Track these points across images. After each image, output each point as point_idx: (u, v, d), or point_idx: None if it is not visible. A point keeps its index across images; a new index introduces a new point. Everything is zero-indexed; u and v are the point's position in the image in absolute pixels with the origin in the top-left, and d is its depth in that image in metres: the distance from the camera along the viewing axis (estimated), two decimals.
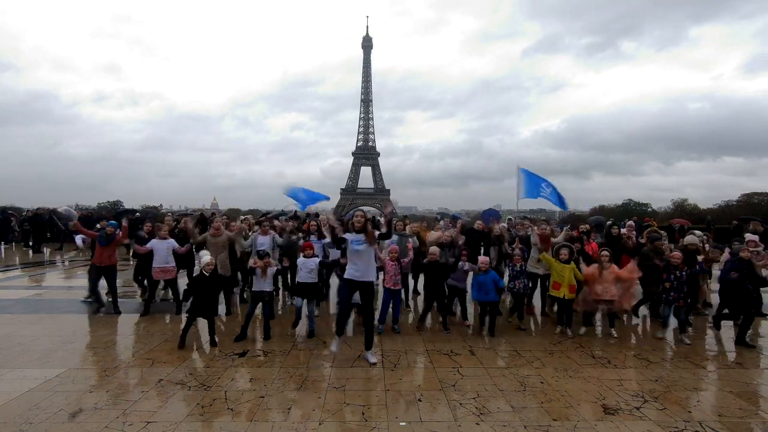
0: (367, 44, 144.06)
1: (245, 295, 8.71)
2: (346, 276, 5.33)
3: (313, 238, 8.27)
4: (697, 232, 8.56)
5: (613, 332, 6.62)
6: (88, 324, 7.09)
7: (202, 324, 6.32)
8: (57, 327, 6.76)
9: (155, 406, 4.14)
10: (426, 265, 7.05)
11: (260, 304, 6.50)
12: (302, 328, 6.59)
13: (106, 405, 4.14)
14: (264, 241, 7.95)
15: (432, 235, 8.36)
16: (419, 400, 4.34)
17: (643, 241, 8.37)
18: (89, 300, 8.32)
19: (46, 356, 5.47)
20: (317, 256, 6.81)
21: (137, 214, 15.28)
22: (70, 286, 10.22)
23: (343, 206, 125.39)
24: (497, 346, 6.06)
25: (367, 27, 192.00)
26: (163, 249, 7.65)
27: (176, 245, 7.82)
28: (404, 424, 3.85)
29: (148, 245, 7.63)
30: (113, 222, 8.29)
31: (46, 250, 17.45)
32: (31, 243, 17.79)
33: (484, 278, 6.59)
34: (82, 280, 11.05)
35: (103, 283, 8.03)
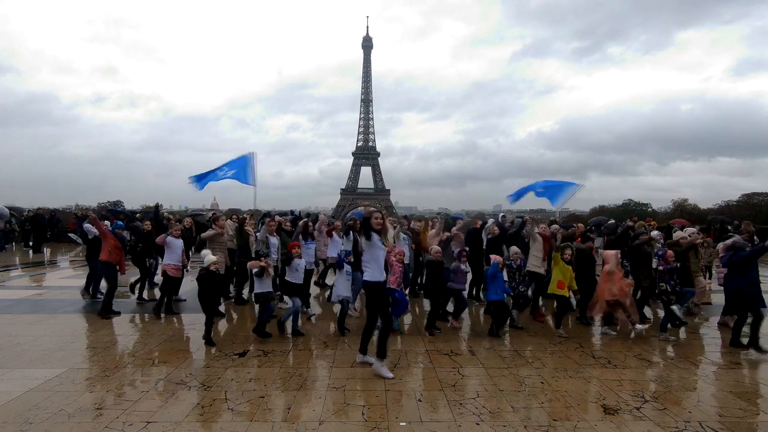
0: (367, 44, 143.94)
1: (243, 295, 8.68)
2: (378, 280, 5.06)
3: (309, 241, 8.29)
4: (689, 229, 8.55)
5: (610, 331, 6.66)
6: (88, 324, 7.09)
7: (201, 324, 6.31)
8: (57, 327, 6.76)
9: (155, 406, 4.14)
10: (427, 264, 7.05)
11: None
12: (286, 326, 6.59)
13: (106, 405, 4.14)
14: (274, 241, 7.96)
15: (430, 234, 8.37)
16: (419, 400, 4.34)
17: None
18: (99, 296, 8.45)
19: (46, 356, 5.47)
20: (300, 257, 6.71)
21: (137, 215, 15.22)
22: (70, 286, 10.22)
23: (343, 206, 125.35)
24: (497, 346, 6.06)
25: (367, 27, 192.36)
26: (178, 247, 7.72)
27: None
28: (404, 424, 3.85)
29: (166, 239, 7.73)
30: (120, 223, 8.33)
31: (46, 250, 17.46)
32: (31, 243, 17.79)
33: (500, 275, 6.60)
34: (82, 280, 11.06)
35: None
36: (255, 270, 6.27)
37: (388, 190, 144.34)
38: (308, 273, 7.68)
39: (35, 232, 17.87)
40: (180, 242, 7.83)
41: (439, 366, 5.27)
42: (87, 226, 8.61)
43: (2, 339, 6.11)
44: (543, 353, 5.80)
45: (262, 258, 6.54)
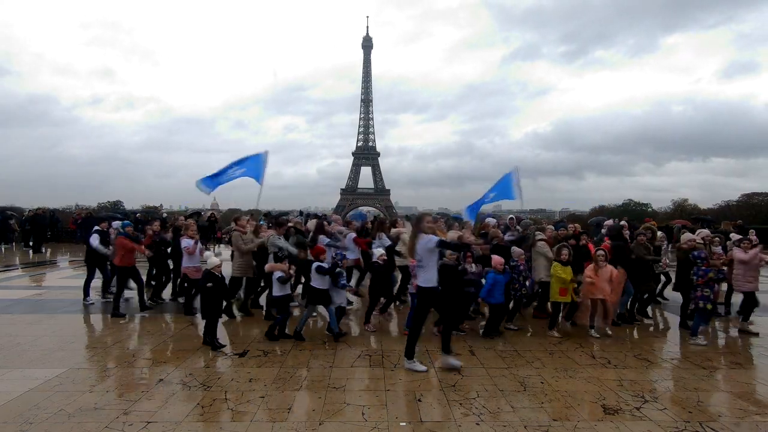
0: (367, 44, 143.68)
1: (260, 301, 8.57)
2: (430, 285, 5.04)
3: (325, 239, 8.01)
4: (702, 231, 8.32)
5: (595, 333, 6.59)
6: (88, 324, 7.10)
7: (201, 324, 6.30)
8: (57, 327, 6.76)
9: (155, 406, 4.14)
10: (441, 269, 6.81)
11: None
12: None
13: (106, 405, 4.14)
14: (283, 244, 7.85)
15: (449, 236, 8.18)
16: (419, 400, 4.34)
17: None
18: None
19: (46, 356, 5.47)
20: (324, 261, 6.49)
21: (137, 215, 15.23)
22: (70, 286, 10.22)
23: (342, 206, 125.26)
24: (497, 346, 6.06)
25: (367, 27, 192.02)
26: (197, 249, 7.57)
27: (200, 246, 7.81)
28: (404, 424, 3.85)
29: (187, 243, 7.51)
30: (128, 222, 8.23)
31: (46, 250, 17.46)
32: (31, 243, 17.79)
33: (501, 279, 6.46)
34: (82, 280, 11.05)
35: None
36: (278, 275, 6.09)
37: (388, 190, 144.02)
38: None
39: (35, 232, 17.86)
40: (194, 244, 7.70)
41: (439, 366, 5.25)
42: (97, 246, 8.23)
43: (2, 339, 6.11)
44: (543, 353, 5.80)
45: (284, 261, 6.42)
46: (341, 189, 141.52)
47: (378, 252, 6.98)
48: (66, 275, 12.12)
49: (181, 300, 8.31)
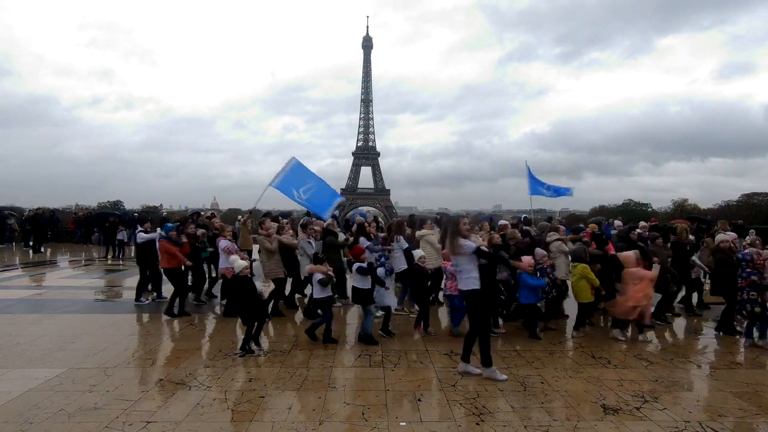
0: (367, 44, 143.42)
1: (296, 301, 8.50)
2: (472, 288, 4.89)
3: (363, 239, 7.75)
4: (730, 234, 8.08)
5: (641, 336, 6.44)
6: (88, 324, 7.08)
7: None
8: (57, 327, 6.76)
9: (155, 406, 4.14)
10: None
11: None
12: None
13: (106, 405, 4.14)
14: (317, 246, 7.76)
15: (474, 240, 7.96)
16: (419, 400, 4.34)
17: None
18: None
19: (46, 356, 5.47)
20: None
21: (136, 214, 15.22)
22: (70, 286, 10.22)
23: (343, 206, 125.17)
24: (497, 347, 6.05)
25: (367, 27, 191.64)
26: (235, 250, 7.51)
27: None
28: (404, 424, 3.85)
29: (227, 245, 7.49)
30: (170, 225, 8.23)
31: (47, 250, 17.45)
32: (31, 243, 17.79)
33: (532, 281, 6.35)
34: (82, 280, 11.09)
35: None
36: (319, 278, 5.99)
37: (388, 190, 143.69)
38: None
39: (35, 232, 17.85)
40: (233, 244, 7.70)
41: (439, 366, 5.26)
42: (141, 235, 8.25)
43: (2, 339, 6.10)
44: (543, 353, 5.80)
45: (324, 263, 6.36)
46: (341, 189, 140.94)
47: (417, 254, 6.86)
48: (66, 275, 12.12)
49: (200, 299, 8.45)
